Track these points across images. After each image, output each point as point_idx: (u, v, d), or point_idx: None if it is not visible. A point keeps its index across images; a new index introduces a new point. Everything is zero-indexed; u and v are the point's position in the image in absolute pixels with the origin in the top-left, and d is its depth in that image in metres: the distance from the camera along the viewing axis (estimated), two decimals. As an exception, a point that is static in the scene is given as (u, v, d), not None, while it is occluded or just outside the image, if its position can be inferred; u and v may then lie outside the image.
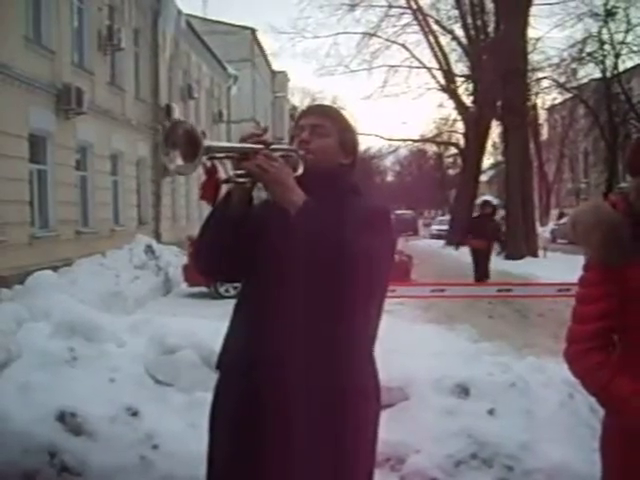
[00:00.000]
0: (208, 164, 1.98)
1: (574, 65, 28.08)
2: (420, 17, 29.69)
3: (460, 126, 35.40)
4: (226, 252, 2.09)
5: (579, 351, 1.96)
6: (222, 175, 2.02)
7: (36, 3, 14.06)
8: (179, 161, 1.91)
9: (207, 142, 1.88)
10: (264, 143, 2.03)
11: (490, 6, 27.42)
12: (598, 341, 1.94)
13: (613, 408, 1.96)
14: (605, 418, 2.07)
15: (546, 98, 33.68)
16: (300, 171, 2.08)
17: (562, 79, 28.74)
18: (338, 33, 29.86)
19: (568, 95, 32.97)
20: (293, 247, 1.95)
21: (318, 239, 1.91)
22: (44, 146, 14.34)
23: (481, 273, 14.14)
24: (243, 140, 2.04)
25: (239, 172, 2.01)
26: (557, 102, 35.27)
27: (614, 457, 2.01)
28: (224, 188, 2.09)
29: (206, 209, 2.19)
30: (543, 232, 33.07)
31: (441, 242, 33.22)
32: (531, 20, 25.33)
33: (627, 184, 2.13)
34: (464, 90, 30.95)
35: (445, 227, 35.23)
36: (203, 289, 13.67)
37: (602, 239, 1.93)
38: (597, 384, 1.94)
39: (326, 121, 2.18)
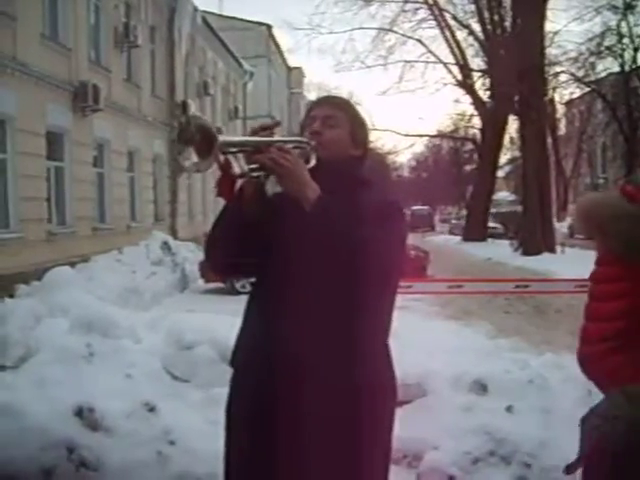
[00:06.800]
0: (222, 159, 1.94)
1: (592, 59, 27.79)
2: (436, 12, 29.65)
3: (477, 121, 35.31)
4: (238, 248, 2.07)
5: (598, 352, 1.85)
6: (237, 170, 1.99)
7: (53, 1, 14.12)
8: (194, 158, 1.88)
9: (222, 137, 1.85)
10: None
11: (507, 0, 27.26)
12: (619, 340, 1.82)
13: None
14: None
15: (564, 92, 33.30)
16: (312, 162, 2.06)
17: (580, 73, 28.44)
18: (354, 29, 29.92)
19: (586, 89, 32.62)
20: (307, 242, 1.94)
21: (331, 235, 1.91)
22: (61, 143, 14.43)
23: None
24: (254, 133, 2.02)
25: (253, 166, 1.97)
26: (575, 96, 34.90)
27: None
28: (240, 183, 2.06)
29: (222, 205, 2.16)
30: (561, 227, 32.88)
31: (457, 238, 33.04)
32: (548, 14, 25.22)
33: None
34: (481, 85, 30.91)
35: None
36: (220, 285, 13.69)
37: (624, 234, 1.82)
38: (620, 385, 1.83)
39: (337, 112, 2.16)
